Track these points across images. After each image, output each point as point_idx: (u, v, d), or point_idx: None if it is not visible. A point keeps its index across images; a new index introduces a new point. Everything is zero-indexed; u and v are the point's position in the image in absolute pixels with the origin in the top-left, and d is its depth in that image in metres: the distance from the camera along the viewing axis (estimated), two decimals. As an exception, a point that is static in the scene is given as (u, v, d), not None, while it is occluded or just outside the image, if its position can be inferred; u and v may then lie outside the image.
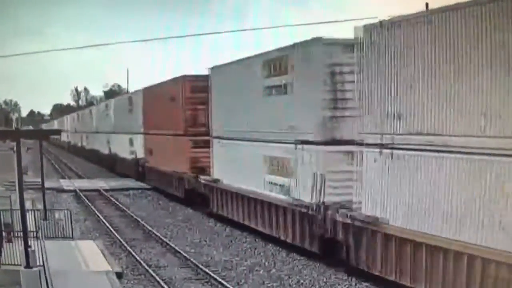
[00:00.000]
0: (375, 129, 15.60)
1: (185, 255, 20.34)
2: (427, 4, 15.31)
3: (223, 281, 17.00)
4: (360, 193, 16.30)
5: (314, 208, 18.30)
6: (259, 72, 22.10)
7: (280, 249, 20.89)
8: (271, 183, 21.42)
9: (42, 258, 16.24)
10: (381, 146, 15.30)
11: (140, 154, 42.10)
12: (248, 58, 23.99)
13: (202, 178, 28.53)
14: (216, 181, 26.80)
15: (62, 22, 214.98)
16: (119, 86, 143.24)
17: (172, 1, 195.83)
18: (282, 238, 20.75)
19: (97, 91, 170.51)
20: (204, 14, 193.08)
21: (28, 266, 14.71)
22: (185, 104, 31.22)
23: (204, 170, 29.09)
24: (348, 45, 17.23)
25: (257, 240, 22.60)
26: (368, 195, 15.93)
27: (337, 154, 17.98)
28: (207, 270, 18.22)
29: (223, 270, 18.59)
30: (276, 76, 20.91)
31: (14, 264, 16.35)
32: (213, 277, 17.50)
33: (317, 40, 18.42)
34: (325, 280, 17.15)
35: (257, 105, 22.54)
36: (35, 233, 18.75)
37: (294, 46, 19.77)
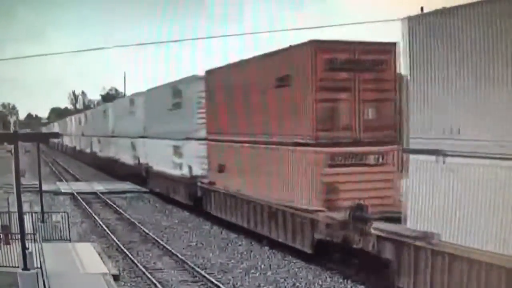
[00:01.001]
0: None
1: (182, 257, 20.44)
2: (422, 9, 15.42)
3: (219, 284, 17.10)
4: None
5: None
6: None
7: (276, 252, 20.98)
8: None
9: (40, 260, 16.32)
10: None
11: (198, 170, 29.00)
12: None
13: (378, 228, 15.86)
14: (428, 236, 13.76)
15: (59, 26, 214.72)
16: (116, 90, 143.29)
17: (169, 5, 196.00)
18: None
19: (94, 95, 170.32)
20: (200, 17, 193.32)
21: (25, 268, 14.78)
22: (316, 91, 18.23)
23: (362, 208, 16.86)
24: None
25: (253, 243, 22.67)
26: None
27: None
28: (203, 273, 18.31)
29: (219, 273, 18.69)
30: None
31: (12, 266, 16.45)
32: (209, 280, 17.61)
33: None
34: (320, 283, 17.24)
35: None
36: (32, 235, 18.85)
37: None
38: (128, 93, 77.69)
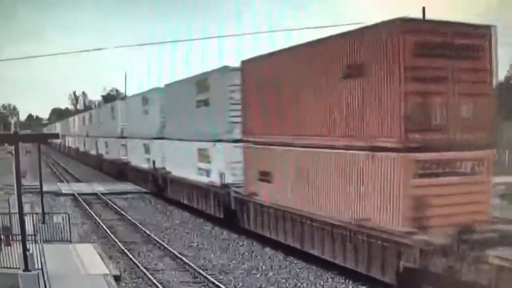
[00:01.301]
0: None
1: (183, 258, 20.42)
2: (423, 9, 15.32)
3: (220, 285, 17.08)
4: None
5: None
6: None
7: (277, 252, 20.95)
8: None
9: (40, 261, 16.29)
10: None
11: (230, 177, 25.06)
12: None
13: (502, 256, 12.52)
14: None
15: (59, 26, 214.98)
16: (117, 90, 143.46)
17: (168, 6, 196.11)
18: None
19: (95, 96, 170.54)
20: (199, 18, 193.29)
21: (26, 269, 14.80)
22: (405, 82, 14.74)
23: (470, 230, 13.71)
24: None
25: (254, 243, 22.66)
26: None
27: None
28: (204, 274, 18.29)
29: (220, 274, 18.66)
30: None
31: (13, 268, 16.43)
32: (210, 281, 17.58)
33: None
34: (322, 283, 17.23)
35: None
36: (33, 237, 18.83)
37: None
38: (129, 93, 77.26)
